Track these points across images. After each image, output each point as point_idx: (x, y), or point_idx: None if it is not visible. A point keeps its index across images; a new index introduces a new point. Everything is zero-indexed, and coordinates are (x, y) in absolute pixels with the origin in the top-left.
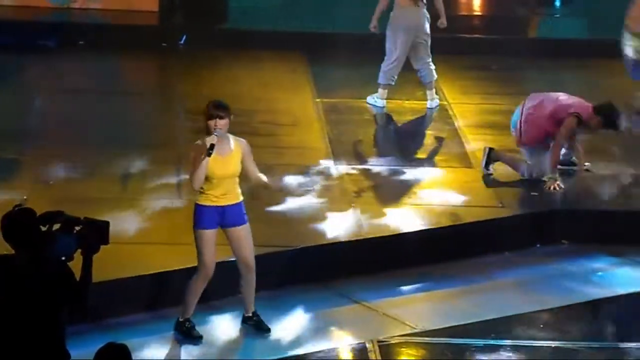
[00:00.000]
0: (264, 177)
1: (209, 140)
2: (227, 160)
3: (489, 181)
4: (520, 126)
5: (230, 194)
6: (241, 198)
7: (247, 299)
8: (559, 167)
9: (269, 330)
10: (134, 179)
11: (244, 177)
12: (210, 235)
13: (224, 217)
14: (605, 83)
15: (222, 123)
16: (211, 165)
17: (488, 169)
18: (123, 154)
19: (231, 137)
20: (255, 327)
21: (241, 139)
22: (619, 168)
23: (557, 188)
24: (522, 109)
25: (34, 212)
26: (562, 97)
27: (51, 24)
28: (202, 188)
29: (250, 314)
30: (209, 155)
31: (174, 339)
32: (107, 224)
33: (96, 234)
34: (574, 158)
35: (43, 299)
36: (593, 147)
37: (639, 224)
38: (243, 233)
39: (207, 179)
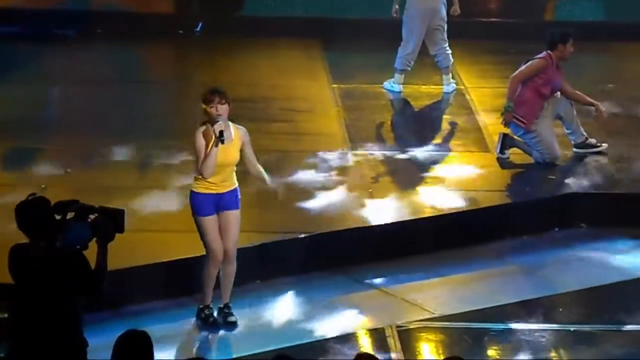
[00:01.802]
0: (265, 175)
1: (217, 128)
2: (229, 148)
3: (506, 165)
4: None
5: (228, 182)
6: (237, 184)
7: (223, 287)
8: (576, 150)
9: (235, 324)
10: (151, 167)
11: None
12: (212, 221)
13: (219, 203)
14: (624, 66)
15: (223, 108)
16: None
17: (504, 154)
18: (140, 143)
19: (231, 125)
20: (223, 319)
21: (241, 127)
22: (636, 149)
23: (508, 121)
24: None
25: (48, 201)
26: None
27: (69, 12)
28: (200, 175)
29: (222, 305)
30: (222, 142)
31: (195, 326)
32: (122, 212)
33: (111, 222)
34: (590, 140)
35: (58, 288)
36: (610, 129)
37: None
38: (232, 218)
39: None
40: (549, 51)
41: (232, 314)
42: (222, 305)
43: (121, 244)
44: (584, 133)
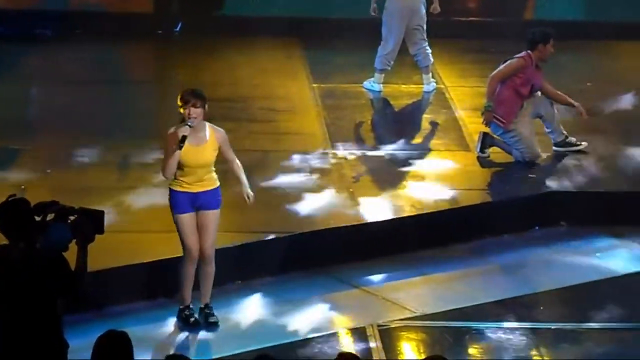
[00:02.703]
0: (243, 180)
1: (181, 132)
2: (201, 150)
3: (486, 164)
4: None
5: (204, 182)
6: (217, 184)
7: (203, 290)
8: (556, 149)
9: (216, 325)
10: (131, 167)
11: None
12: (188, 219)
13: (197, 202)
14: (604, 65)
15: (196, 112)
16: (184, 154)
17: (484, 153)
18: (121, 143)
19: (208, 126)
20: (205, 319)
21: (219, 129)
22: (617, 148)
23: (488, 121)
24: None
25: (27, 202)
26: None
27: (48, 13)
28: (175, 173)
29: (203, 305)
30: (180, 148)
31: (175, 327)
32: (102, 213)
33: (91, 223)
34: (570, 139)
35: (38, 289)
36: (590, 127)
37: (637, 204)
38: (210, 218)
39: (180, 166)
40: (528, 51)
41: (213, 315)
42: (202, 306)
43: (102, 245)
44: (564, 132)
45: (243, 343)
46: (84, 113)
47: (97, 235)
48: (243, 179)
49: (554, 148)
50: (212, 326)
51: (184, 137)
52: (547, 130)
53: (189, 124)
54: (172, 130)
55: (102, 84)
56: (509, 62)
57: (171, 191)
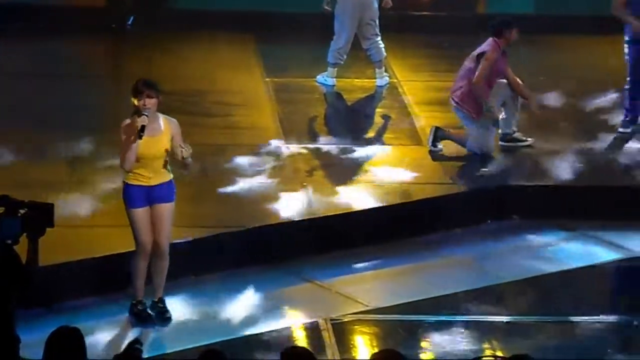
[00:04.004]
0: (185, 152)
1: (140, 122)
2: (157, 140)
3: (439, 158)
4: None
5: (159, 174)
6: (171, 176)
7: (155, 283)
8: (502, 144)
9: (169, 319)
10: (81, 162)
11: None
12: (142, 213)
13: (152, 195)
14: (553, 58)
15: (151, 102)
16: (141, 145)
17: (436, 147)
18: (71, 137)
19: (161, 117)
20: (158, 314)
21: (172, 119)
22: (568, 142)
23: (495, 119)
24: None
25: None
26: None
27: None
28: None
29: (156, 299)
30: (140, 137)
31: (127, 322)
32: (51, 206)
33: (41, 216)
34: (517, 134)
35: None
36: (538, 123)
37: (588, 198)
38: (165, 211)
39: (136, 159)
40: (495, 38)
41: (166, 310)
42: (156, 300)
43: (53, 240)
44: (515, 127)
45: (196, 338)
46: (33, 107)
47: (48, 229)
48: (184, 151)
49: (500, 143)
50: (165, 321)
51: (143, 127)
52: (503, 116)
53: (145, 113)
54: (127, 121)
55: (53, 77)
56: (484, 58)
57: (126, 185)
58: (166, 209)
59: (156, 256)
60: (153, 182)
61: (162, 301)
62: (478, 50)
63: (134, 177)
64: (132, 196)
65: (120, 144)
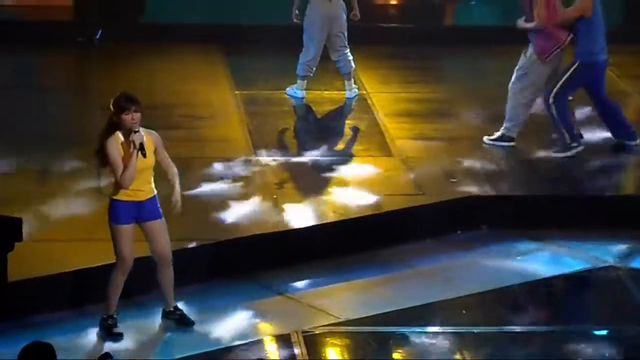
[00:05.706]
0: (176, 184)
1: (137, 139)
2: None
3: (409, 169)
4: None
5: (146, 188)
6: (155, 192)
7: (167, 294)
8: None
9: (192, 323)
10: (50, 175)
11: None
12: (128, 230)
13: (140, 212)
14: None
15: (138, 116)
16: (128, 160)
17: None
18: (38, 151)
19: (142, 130)
20: (178, 321)
21: (152, 131)
22: (536, 152)
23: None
24: None
25: None
26: None
27: None
28: (120, 185)
29: (172, 309)
30: (144, 155)
31: (98, 337)
32: (19, 220)
33: (8, 231)
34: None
35: None
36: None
37: (557, 208)
38: (158, 227)
39: None
40: None
41: (185, 314)
42: (172, 309)
43: (24, 254)
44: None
45: (167, 351)
46: (1, 120)
47: (17, 244)
48: (177, 187)
49: (485, 138)
50: (190, 324)
51: (142, 145)
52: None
53: (137, 129)
54: (118, 138)
55: (20, 91)
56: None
57: (115, 201)
58: (159, 224)
59: (165, 266)
60: (143, 197)
61: (178, 308)
62: None
63: (125, 194)
64: (120, 212)
65: (113, 162)
